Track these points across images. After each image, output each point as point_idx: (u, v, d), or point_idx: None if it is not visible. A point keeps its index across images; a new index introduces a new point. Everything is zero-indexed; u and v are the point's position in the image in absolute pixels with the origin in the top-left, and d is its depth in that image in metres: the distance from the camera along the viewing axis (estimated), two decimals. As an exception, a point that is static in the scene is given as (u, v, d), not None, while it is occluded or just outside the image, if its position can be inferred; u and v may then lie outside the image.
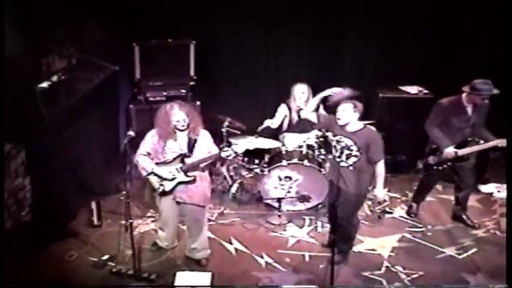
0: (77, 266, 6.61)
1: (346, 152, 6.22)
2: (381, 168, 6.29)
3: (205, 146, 6.31)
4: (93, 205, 7.33)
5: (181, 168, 6.22)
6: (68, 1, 6.82)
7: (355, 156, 6.20)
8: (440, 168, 7.41)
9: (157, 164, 6.25)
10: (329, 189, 6.86)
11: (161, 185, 6.27)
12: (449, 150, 7.14)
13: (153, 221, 7.49)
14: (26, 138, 6.57)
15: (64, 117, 7.02)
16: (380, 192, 6.41)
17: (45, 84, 6.56)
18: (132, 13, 8.41)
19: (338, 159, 6.28)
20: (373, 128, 6.63)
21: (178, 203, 6.42)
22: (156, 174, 6.25)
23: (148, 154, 6.25)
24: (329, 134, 6.50)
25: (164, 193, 6.32)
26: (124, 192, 5.91)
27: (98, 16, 7.91)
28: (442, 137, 7.18)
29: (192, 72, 8.81)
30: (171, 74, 8.75)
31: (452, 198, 7.95)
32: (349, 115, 6.13)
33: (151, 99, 8.60)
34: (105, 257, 6.66)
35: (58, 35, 7.01)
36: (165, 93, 8.68)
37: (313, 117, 6.75)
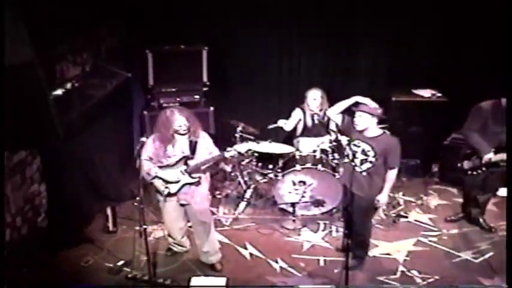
0: (93, 271, 6.65)
1: (362, 157, 6.21)
2: (393, 174, 6.28)
3: (206, 147, 6.39)
4: (109, 211, 7.39)
5: (185, 170, 6.30)
6: (81, 8, 6.84)
7: (371, 162, 6.18)
8: (474, 173, 7.26)
9: (160, 167, 6.32)
10: (343, 194, 6.84)
11: (166, 187, 6.34)
12: (490, 156, 6.98)
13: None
14: (41, 145, 6.61)
15: (78, 124, 7.03)
16: (384, 197, 6.37)
17: (59, 91, 6.57)
18: (145, 19, 8.47)
19: (352, 164, 6.26)
20: (391, 135, 6.58)
21: (182, 205, 6.49)
22: (160, 178, 6.32)
23: (151, 159, 6.31)
24: (343, 138, 6.50)
25: (169, 195, 6.38)
26: (138, 198, 5.92)
27: (111, 23, 7.95)
28: (482, 142, 7.00)
29: (205, 78, 8.83)
30: (184, 80, 8.77)
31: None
32: (366, 121, 6.12)
33: (164, 105, 8.57)
34: (121, 262, 6.70)
35: (72, 42, 7.04)
36: (178, 99, 8.70)
37: (338, 119, 6.76)
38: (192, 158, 6.31)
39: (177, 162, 6.30)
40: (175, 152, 6.30)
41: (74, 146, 7.00)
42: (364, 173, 6.24)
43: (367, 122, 6.12)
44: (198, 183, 6.36)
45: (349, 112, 6.45)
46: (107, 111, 7.86)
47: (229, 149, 6.37)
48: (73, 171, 7.12)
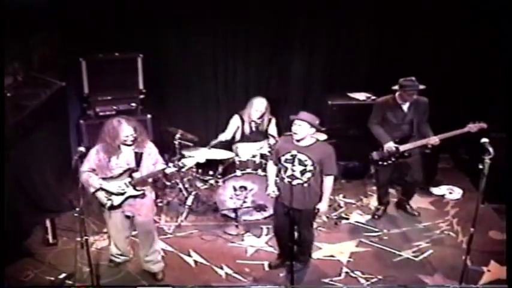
0: (34, 286, 6.45)
1: (301, 168, 6.18)
2: (330, 181, 6.33)
3: (151, 158, 6.28)
4: (48, 223, 7.17)
5: (130, 182, 6.17)
6: (11, 17, 6.66)
7: (310, 171, 6.19)
8: (385, 163, 7.64)
9: (104, 179, 6.17)
10: (283, 213, 6.53)
11: (109, 199, 6.21)
12: (389, 145, 7.47)
13: (109, 237, 7.32)
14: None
15: (12, 135, 6.85)
16: (324, 206, 6.42)
17: (-11, 102, 6.40)
18: (79, 28, 8.30)
19: (290, 179, 6.21)
20: (325, 143, 6.67)
21: (127, 216, 6.38)
22: (104, 190, 6.18)
23: (93, 170, 6.15)
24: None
25: (112, 207, 6.25)
26: (78, 209, 5.77)
27: (44, 32, 7.77)
28: (382, 133, 7.52)
29: (141, 86, 8.74)
30: (119, 87, 8.65)
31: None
32: (305, 130, 6.11)
33: (101, 113, 8.45)
34: (63, 275, 6.51)
35: (3, 52, 6.84)
36: (114, 107, 8.55)
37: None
38: (137, 170, 6.18)
39: (122, 174, 6.16)
40: (120, 164, 6.16)
41: (8, 158, 6.77)
42: (305, 184, 6.22)
43: (306, 131, 6.12)
44: (143, 196, 6.25)
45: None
46: (41, 122, 7.66)
47: (170, 164, 6.31)
48: (9, 184, 6.87)
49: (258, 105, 8.09)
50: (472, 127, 7.09)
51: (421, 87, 7.26)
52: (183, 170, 6.60)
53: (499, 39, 8.37)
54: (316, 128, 6.21)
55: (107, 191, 6.18)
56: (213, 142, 8.12)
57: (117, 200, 6.21)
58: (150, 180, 6.34)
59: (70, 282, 6.42)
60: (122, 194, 6.18)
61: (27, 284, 6.47)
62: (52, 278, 6.52)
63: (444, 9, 8.70)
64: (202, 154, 7.83)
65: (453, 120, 7.34)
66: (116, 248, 6.73)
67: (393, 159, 7.57)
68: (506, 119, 7.89)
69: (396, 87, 7.36)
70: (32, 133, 7.49)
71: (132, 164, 6.17)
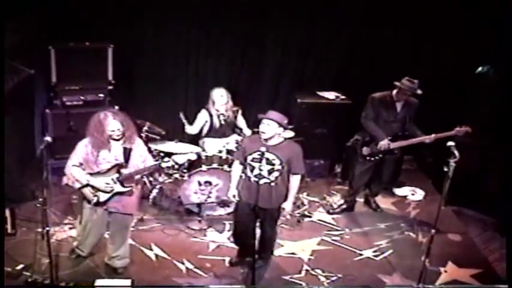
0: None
1: (268, 167, 6.16)
2: (296, 181, 6.34)
3: (140, 155, 6.21)
4: (7, 212, 7.05)
5: (117, 178, 6.09)
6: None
7: (278, 170, 6.18)
8: (372, 159, 7.82)
9: (91, 174, 6.08)
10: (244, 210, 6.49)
11: (95, 195, 6.12)
12: (384, 142, 7.61)
13: (70, 228, 7.27)
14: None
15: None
16: (289, 205, 6.44)
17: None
18: (50, 15, 8.19)
19: (257, 178, 6.16)
20: (293, 141, 6.64)
21: (110, 213, 6.29)
22: (90, 186, 6.10)
23: (81, 164, 6.06)
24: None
25: (98, 204, 6.17)
26: (40, 199, 5.73)
27: (14, 18, 7.66)
28: (377, 129, 7.66)
29: (110, 76, 8.67)
30: (88, 77, 8.56)
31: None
32: (273, 129, 6.09)
33: (68, 103, 8.37)
34: (20, 266, 6.44)
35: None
36: (82, 97, 8.47)
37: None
38: (125, 166, 6.11)
39: (109, 169, 6.07)
40: (107, 159, 6.07)
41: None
42: (272, 183, 6.21)
43: (274, 130, 6.11)
44: (130, 193, 6.18)
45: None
46: (7, 109, 7.56)
47: (166, 159, 6.27)
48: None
49: (218, 92, 8.12)
50: (460, 131, 7.26)
51: (419, 92, 7.45)
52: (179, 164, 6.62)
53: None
54: (284, 128, 6.21)
55: (93, 187, 6.10)
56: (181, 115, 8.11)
57: (103, 196, 6.12)
58: (138, 177, 6.26)
59: (28, 273, 6.34)
60: (110, 191, 6.09)
61: None
62: (9, 269, 6.42)
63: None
64: (169, 147, 7.86)
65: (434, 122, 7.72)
66: (86, 241, 6.57)
67: (381, 155, 7.75)
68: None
69: (398, 83, 7.49)
70: (-3, 120, 7.40)
71: (121, 160, 6.09)
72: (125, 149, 6.10)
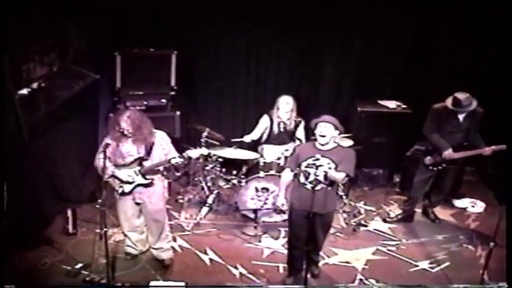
0: (51, 274, 6.60)
1: (324, 172, 6.06)
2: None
3: (163, 148, 6.41)
4: (69, 213, 7.34)
5: (139, 171, 6.34)
6: (51, 9, 6.82)
7: None
8: (434, 168, 7.69)
9: (116, 166, 6.37)
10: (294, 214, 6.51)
11: (120, 186, 6.41)
12: (449, 152, 7.49)
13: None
14: (4, 144, 6.55)
15: (43, 124, 7.04)
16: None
17: (24, 91, 6.56)
18: (115, 22, 8.42)
19: (313, 184, 6.04)
20: (347, 147, 6.62)
21: (137, 204, 6.54)
22: (116, 177, 6.37)
23: (109, 158, 6.28)
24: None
25: (124, 194, 6.45)
26: (100, 201, 5.92)
27: (81, 25, 7.92)
28: (441, 140, 7.55)
29: (172, 82, 8.82)
30: (151, 83, 8.75)
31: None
32: (331, 131, 6.07)
33: (131, 108, 8.58)
34: (79, 265, 6.67)
35: (41, 42, 7.02)
36: (145, 102, 8.66)
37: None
38: (146, 159, 6.34)
39: (132, 162, 6.34)
40: (131, 152, 6.34)
41: (37, 146, 6.96)
42: (329, 188, 6.16)
43: (331, 133, 6.08)
44: (151, 184, 6.41)
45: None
46: (72, 113, 7.82)
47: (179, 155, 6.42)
48: (35, 172, 7.05)
49: (285, 100, 8.12)
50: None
51: (471, 108, 7.33)
52: (191, 158, 6.66)
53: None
54: (340, 131, 6.20)
55: (118, 179, 6.37)
56: (236, 140, 8.23)
57: (127, 187, 6.40)
58: (160, 169, 6.48)
59: (86, 272, 6.56)
60: (132, 182, 6.37)
61: (44, 273, 6.63)
62: (68, 268, 6.68)
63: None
64: (228, 153, 8.00)
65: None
66: (128, 239, 6.86)
67: (444, 165, 7.63)
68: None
69: (449, 101, 7.41)
70: (62, 123, 7.64)
71: (143, 153, 6.34)
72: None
